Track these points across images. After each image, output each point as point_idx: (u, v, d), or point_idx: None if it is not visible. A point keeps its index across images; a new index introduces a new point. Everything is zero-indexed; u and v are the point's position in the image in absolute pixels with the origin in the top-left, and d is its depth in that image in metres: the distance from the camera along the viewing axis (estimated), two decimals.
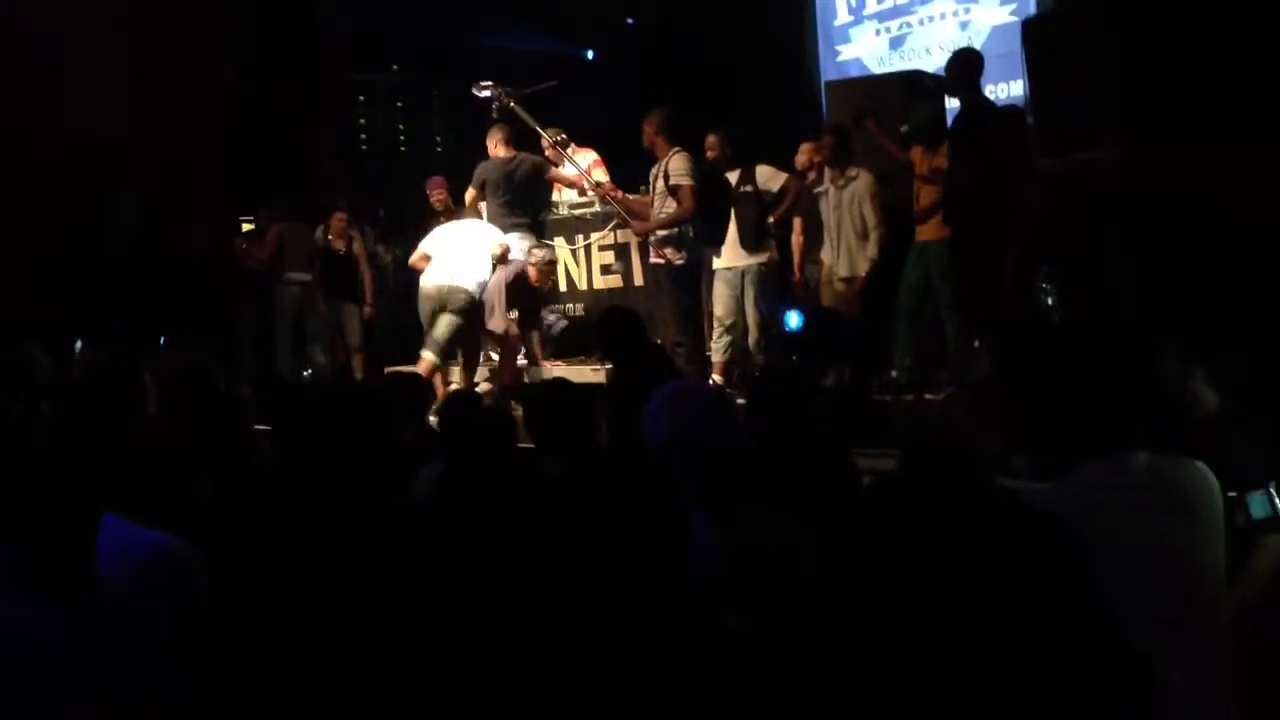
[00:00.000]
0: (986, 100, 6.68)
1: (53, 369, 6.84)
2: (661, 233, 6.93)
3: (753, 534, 2.54)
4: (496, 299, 7.15)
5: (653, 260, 7.11)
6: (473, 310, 7.04)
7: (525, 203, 7.56)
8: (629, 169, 8.10)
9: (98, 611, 2.07)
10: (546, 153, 7.94)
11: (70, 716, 1.98)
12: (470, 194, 7.89)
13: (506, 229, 7.40)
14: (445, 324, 6.99)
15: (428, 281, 7.11)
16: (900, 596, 2.60)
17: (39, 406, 4.86)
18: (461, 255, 7.13)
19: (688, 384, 2.90)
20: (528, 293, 7.47)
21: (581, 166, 7.92)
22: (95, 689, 2.01)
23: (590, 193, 7.94)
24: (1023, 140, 6.14)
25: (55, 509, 2.07)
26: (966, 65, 6.32)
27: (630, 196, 7.50)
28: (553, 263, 7.63)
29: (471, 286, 7.00)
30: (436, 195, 8.91)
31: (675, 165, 6.76)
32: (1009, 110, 6.89)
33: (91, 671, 2.01)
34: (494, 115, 7.88)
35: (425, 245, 7.35)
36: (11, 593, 2.04)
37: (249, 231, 9.67)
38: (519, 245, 7.40)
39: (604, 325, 5.15)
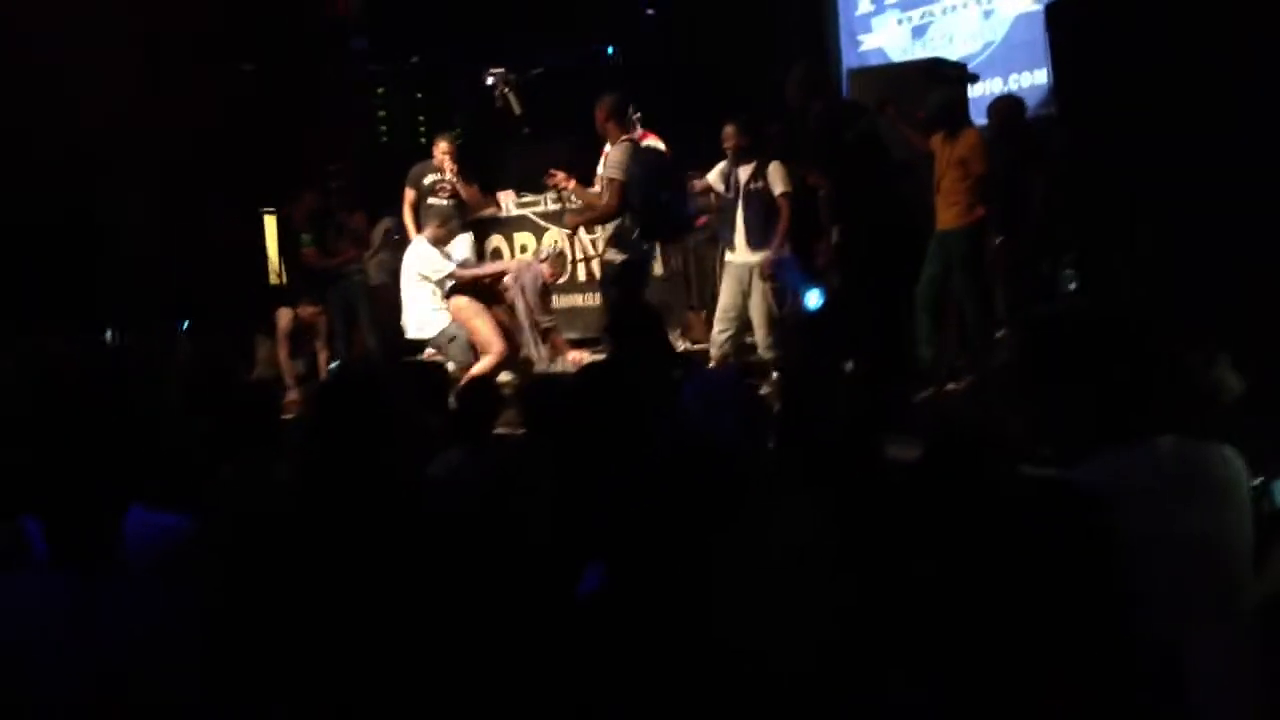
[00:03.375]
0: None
1: (79, 358, 6.90)
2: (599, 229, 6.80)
3: (772, 524, 2.51)
4: (525, 318, 7.34)
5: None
6: (456, 339, 7.19)
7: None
8: None
9: (120, 589, 2.14)
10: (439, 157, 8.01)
11: (93, 688, 2.02)
12: (409, 195, 8.04)
13: (460, 230, 7.81)
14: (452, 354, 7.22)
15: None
16: (932, 583, 2.60)
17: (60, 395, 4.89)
18: (410, 302, 7.37)
19: (719, 376, 2.88)
20: (546, 290, 7.54)
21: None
22: (116, 664, 2.05)
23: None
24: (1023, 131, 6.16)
25: (83, 488, 2.15)
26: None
27: (590, 190, 7.18)
28: (562, 254, 7.66)
29: (431, 334, 7.19)
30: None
31: (610, 156, 6.54)
32: (1006, 101, 6.92)
33: (113, 646, 2.06)
34: (496, 103, 8.00)
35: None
36: (38, 566, 2.13)
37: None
38: (467, 242, 7.87)
39: (617, 319, 5.12)
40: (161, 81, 9.31)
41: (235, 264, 9.82)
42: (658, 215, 6.50)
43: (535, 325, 7.43)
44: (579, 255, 8.30)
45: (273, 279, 10.07)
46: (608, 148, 6.66)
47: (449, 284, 7.34)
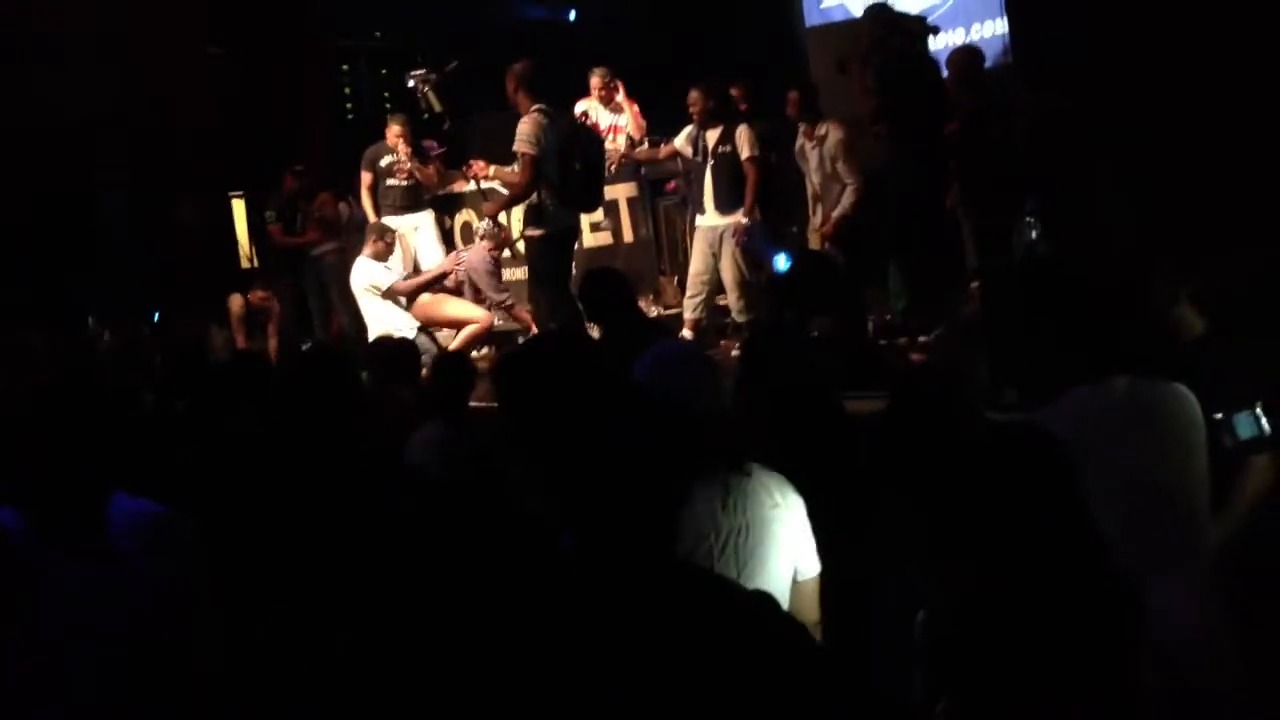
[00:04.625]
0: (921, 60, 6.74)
1: (60, 345, 6.89)
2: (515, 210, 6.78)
3: (739, 488, 2.54)
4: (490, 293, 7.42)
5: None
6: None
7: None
8: None
9: (116, 570, 2.24)
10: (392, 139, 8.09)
11: (107, 664, 2.07)
12: (366, 178, 8.09)
13: (418, 206, 8.04)
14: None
15: None
16: (899, 526, 2.65)
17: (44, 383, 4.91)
18: (371, 319, 7.40)
19: (671, 346, 2.90)
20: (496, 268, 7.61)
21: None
22: (126, 639, 2.13)
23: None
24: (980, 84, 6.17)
25: (74, 475, 2.23)
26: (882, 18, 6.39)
27: (505, 169, 6.87)
28: (500, 228, 7.63)
29: (412, 334, 7.03)
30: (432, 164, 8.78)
31: (520, 129, 6.19)
32: (963, 53, 6.94)
33: (122, 623, 2.15)
34: (420, 105, 8.09)
35: None
36: (44, 551, 2.19)
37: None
38: (429, 222, 8.09)
39: (587, 287, 5.10)
40: (127, 66, 9.23)
41: (205, 249, 9.78)
42: (573, 185, 6.29)
43: (497, 305, 7.49)
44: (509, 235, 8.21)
45: (244, 263, 10.03)
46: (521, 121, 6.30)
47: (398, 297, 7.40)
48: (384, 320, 7.19)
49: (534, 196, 6.25)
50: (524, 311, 7.48)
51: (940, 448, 2.74)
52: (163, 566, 2.34)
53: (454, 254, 7.80)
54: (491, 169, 6.99)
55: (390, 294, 7.31)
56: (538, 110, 6.17)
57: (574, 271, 6.71)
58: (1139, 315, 3.32)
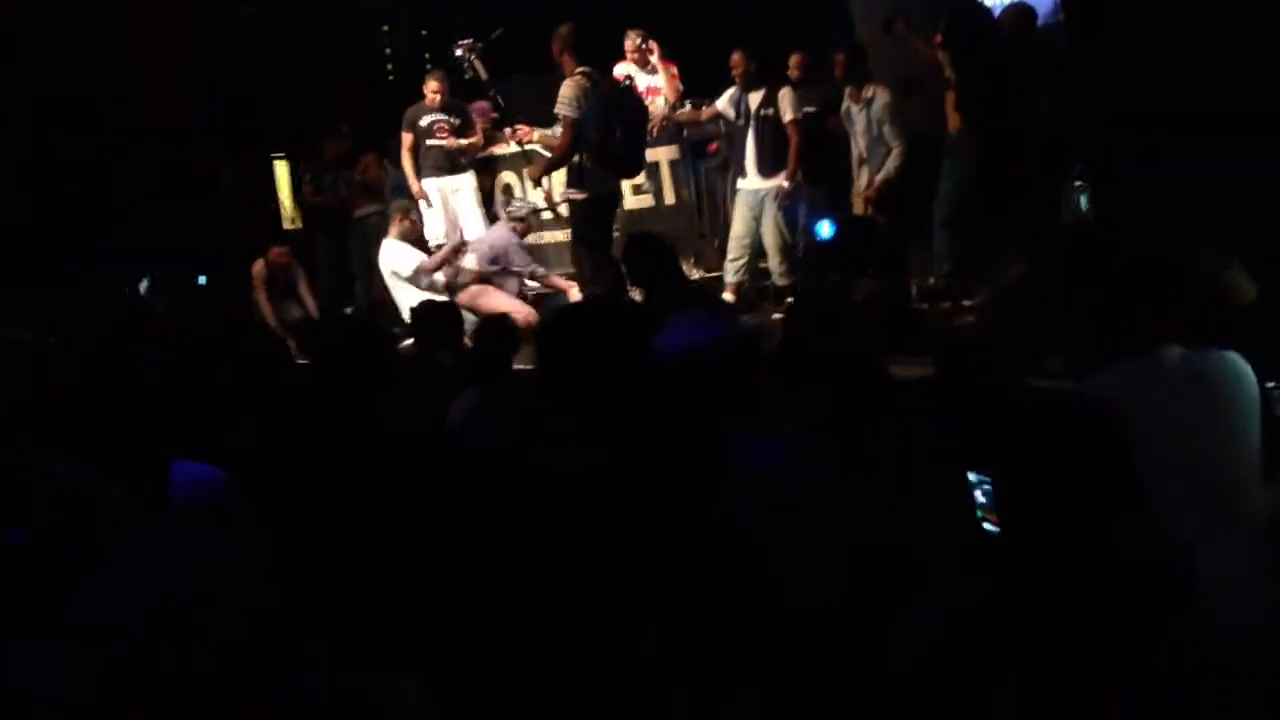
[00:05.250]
0: (984, 8, 6.57)
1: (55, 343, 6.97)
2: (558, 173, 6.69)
3: (777, 452, 2.54)
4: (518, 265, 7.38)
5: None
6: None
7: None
8: None
9: (177, 535, 2.27)
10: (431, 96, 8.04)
11: (166, 631, 2.11)
12: (406, 139, 8.01)
13: (459, 169, 7.93)
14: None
15: None
16: (944, 495, 2.63)
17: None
18: (402, 301, 7.44)
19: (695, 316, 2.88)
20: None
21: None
22: (186, 606, 2.14)
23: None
24: (1033, 42, 6.01)
25: (134, 443, 2.29)
26: None
27: (548, 132, 6.91)
28: (529, 210, 7.59)
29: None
30: (481, 125, 8.63)
31: (561, 92, 6.21)
32: (1017, 10, 6.75)
33: (183, 588, 2.14)
34: (465, 74, 8.02)
35: None
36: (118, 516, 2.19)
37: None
38: (470, 185, 7.98)
39: (630, 251, 5.11)
40: (164, 29, 9.26)
41: (248, 212, 9.83)
42: (614, 149, 6.27)
43: (526, 275, 7.48)
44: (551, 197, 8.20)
45: (286, 224, 10.07)
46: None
47: (429, 279, 7.46)
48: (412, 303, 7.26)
49: (576, 159, 6.24)
50: (557, 278, 7.49)
51: (986, 415, 2.74)
52: (219, 531, 2.38)
53: (472, 238, 7.70)
54: (535, 133, 6.99)
55: (414, 277, 7.38)
56: (581, 73, 6.17)
57: (615, 235, 6.71)
58: (1187, 284, 3.27)
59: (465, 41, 8.20)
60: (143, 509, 2.28)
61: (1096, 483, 1.94)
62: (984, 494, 2.48)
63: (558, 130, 6.45)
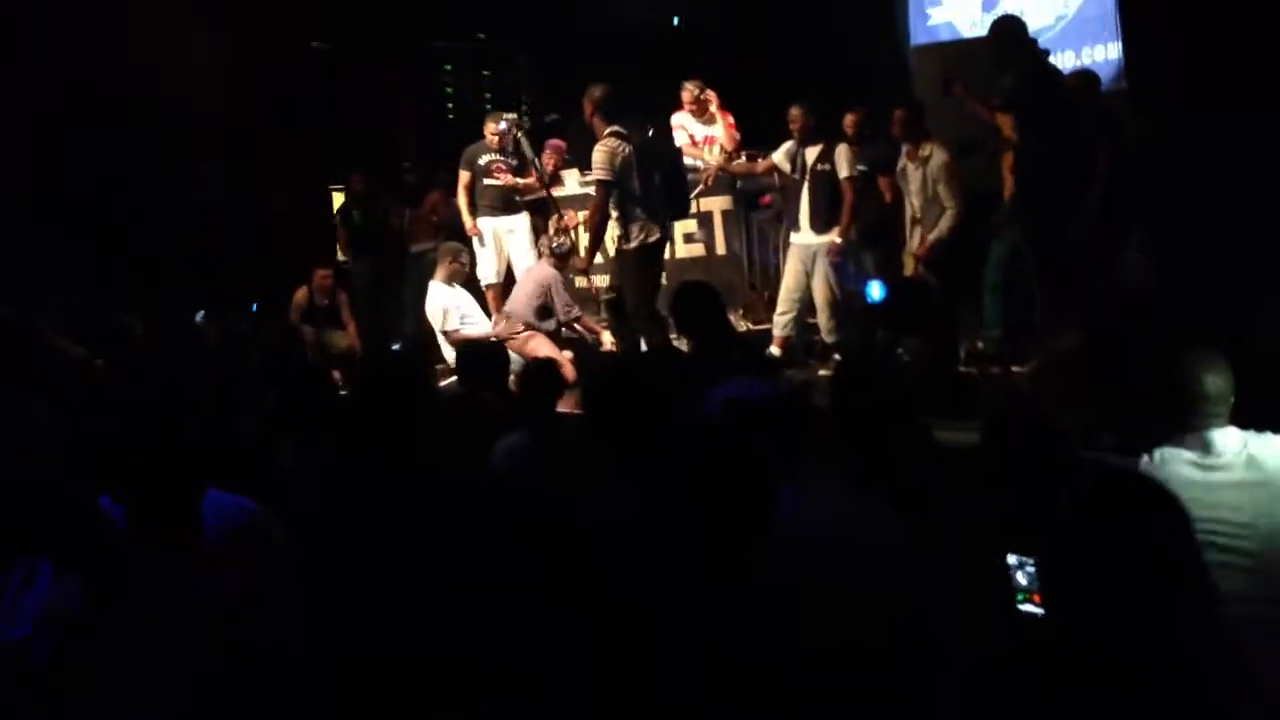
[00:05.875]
0: (1052, 67, 6.49)
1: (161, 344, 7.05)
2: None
3: (821, 506, 2.51)
4: (559, 306, 7.33)
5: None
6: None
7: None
8: None
9: (210, 566, 2.29)
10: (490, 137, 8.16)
11: (199, 661, 2.12)
12: (464, 177, 8.08)
13: (514, 209, 8.02)
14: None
15: None
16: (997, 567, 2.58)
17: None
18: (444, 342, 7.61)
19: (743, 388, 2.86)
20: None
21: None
22: (219, 636, 2.17)
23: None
24: (1096, 107, 5.95)
25: (170, 474, 2.31)
26: (1015, 33, 6.15)
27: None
28: (568, 248, 7.58)
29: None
30: (552, 161, 8.73)
31: (594, 158, 6.32)
32: (1080, 76, 6.69)
33: (215, 619, 2.18)
34: (508, 148, 8.17)
35: None
36: (141, 546, 2.24)
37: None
38: (524, 226, 8.04)
39: (679, 301, 5.10)
40: (234, 59, 9.42)
41: (303, 241, 9.93)
42: (655, 197, 6.34)
43: (566, 319, 7.43)
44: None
45: (340, 255, 10.18)
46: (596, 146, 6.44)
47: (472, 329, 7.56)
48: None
49: (623, 210, 6.32)
50: (591, 321, 7.53)
51: (1035, 487, 2.68)
52: (249, 568, 2.39)
53: (507, 319, 7.55)
54: (580, 216, 7.16)
55: (448, 337, 7.48)
56: (611, 134, 6.29)
57: (663, 282, 6.72)
58: (1248, 358, 3.20)
59: (510, 116, 8.29)
60: (173, 543, 2.28)
61: (1159, 568, 1.87)
62: (1025, 575, 2.44)
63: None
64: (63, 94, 8.48)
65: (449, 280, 7.62)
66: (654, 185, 6.30)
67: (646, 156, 6.33)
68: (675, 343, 5.68)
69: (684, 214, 7.05)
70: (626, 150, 6.22)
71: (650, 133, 6.67)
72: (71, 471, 2.63)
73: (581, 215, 7.03)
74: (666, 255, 8.15)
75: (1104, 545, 1.91)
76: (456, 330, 7.54)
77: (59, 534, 2.22)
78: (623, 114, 6.39)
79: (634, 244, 6.31)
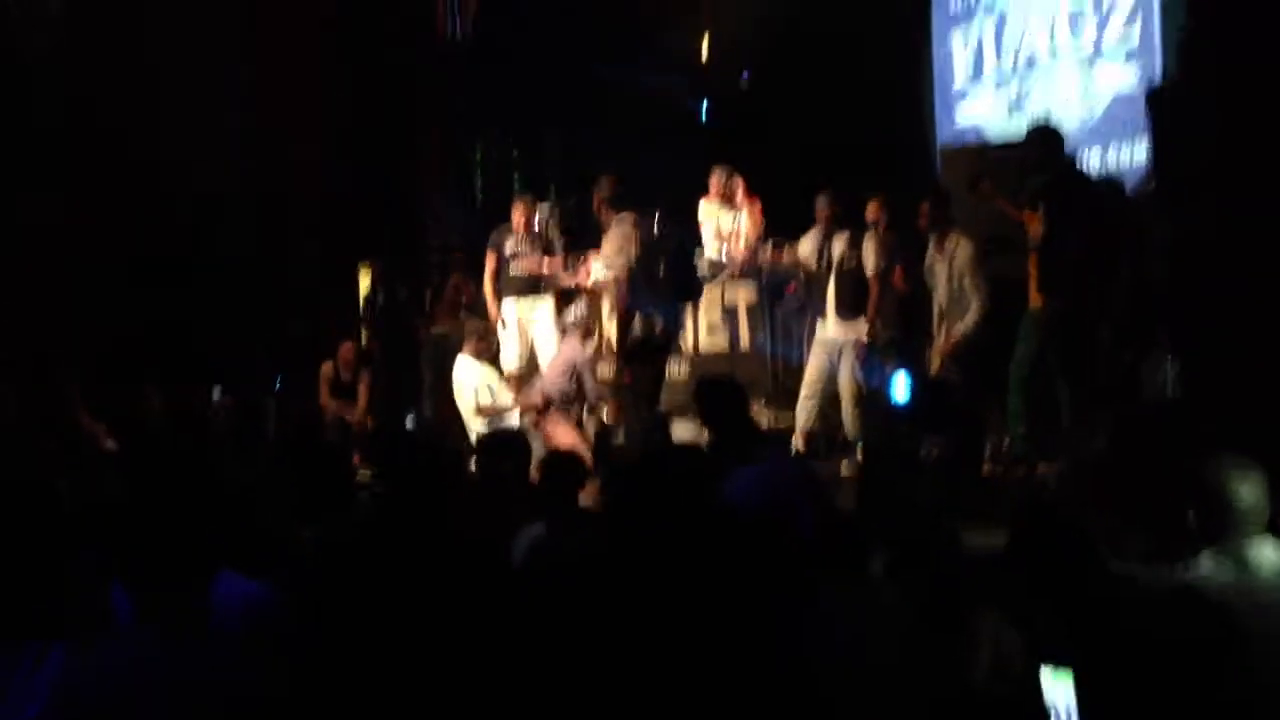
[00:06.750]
0: (1080, 172, 6.56)
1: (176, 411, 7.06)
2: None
3: (849, 607, 2.48)
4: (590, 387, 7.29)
5: None
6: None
7: None
8: None
9: (213, 654, 2.25)
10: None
11: None
12: (490, 261, 8.10)
13: (538, 291, 7.93)
14: None
15: None
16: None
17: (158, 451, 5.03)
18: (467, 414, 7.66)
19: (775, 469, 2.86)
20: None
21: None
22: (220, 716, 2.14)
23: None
24: (1124, 211, 6.00)
25: (173, 552, 2.27)
26: (1050, 140, 6.19)
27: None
28: (589, 324, 7.60)
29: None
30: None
31: (603, 251, 6.60)
32: (1109, 181, 6.73)
33: (218, 707, 2.16)
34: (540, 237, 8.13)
35: None
36: (146, 633, 2.22)
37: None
38: (548, 309, 7.98)
39: (702, 394, 5.09)
40: (267, 141, 9.58)
41: (329, 317, 9.99)
42: (661, 285, 6.50)
43: (595, 400, 7.44)
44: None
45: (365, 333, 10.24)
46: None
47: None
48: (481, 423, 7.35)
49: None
50: (614, 407, 7.53)
51: (1066, 598, 2.63)
52: (254, 654, 2.34)
53: (526, 394, 7.63)
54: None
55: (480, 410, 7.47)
56: (618, 225, 6.51)
57: (668, 374, 6.80)
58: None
59: (543, 204, 8.38)
60: (178, 625, 2.25)
61: (1204, 691, 1.83)
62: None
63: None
64: (93, 166, 8.61)
65: (475, 355, 7.61)
66: (655, 276, 6.38)
67: (653, 242, 6.43)
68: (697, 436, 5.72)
69: (693, 298, 7.09)
70: (630, 241, 6.35)
71: (657, 219, 6.77)
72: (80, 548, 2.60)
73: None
74: (690, 347, 8.18)
75: (1149, 665, 1.87)
76: (491, 404, 7.51)
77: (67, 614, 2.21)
78: (629, 204, 6.52)
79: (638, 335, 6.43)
